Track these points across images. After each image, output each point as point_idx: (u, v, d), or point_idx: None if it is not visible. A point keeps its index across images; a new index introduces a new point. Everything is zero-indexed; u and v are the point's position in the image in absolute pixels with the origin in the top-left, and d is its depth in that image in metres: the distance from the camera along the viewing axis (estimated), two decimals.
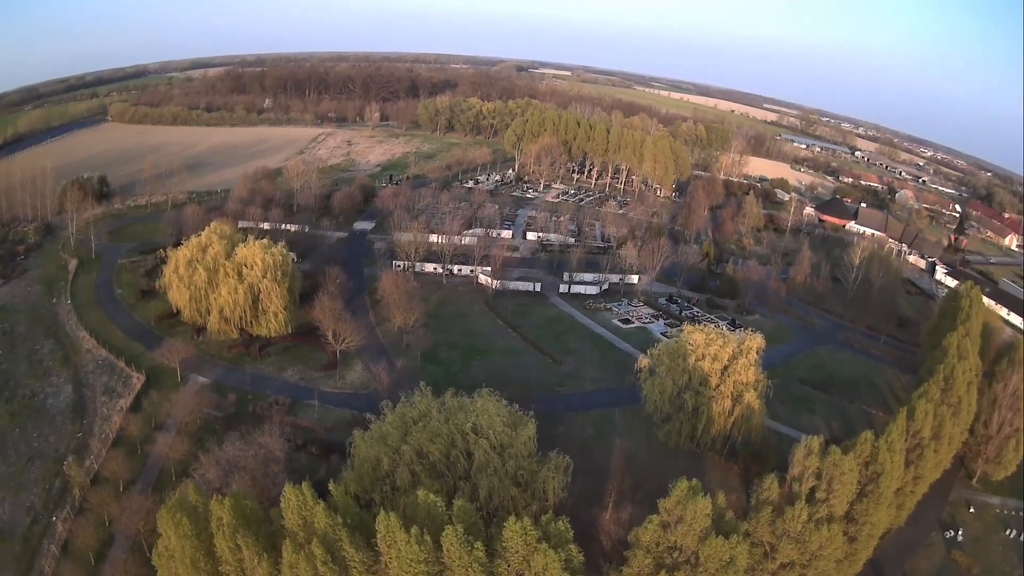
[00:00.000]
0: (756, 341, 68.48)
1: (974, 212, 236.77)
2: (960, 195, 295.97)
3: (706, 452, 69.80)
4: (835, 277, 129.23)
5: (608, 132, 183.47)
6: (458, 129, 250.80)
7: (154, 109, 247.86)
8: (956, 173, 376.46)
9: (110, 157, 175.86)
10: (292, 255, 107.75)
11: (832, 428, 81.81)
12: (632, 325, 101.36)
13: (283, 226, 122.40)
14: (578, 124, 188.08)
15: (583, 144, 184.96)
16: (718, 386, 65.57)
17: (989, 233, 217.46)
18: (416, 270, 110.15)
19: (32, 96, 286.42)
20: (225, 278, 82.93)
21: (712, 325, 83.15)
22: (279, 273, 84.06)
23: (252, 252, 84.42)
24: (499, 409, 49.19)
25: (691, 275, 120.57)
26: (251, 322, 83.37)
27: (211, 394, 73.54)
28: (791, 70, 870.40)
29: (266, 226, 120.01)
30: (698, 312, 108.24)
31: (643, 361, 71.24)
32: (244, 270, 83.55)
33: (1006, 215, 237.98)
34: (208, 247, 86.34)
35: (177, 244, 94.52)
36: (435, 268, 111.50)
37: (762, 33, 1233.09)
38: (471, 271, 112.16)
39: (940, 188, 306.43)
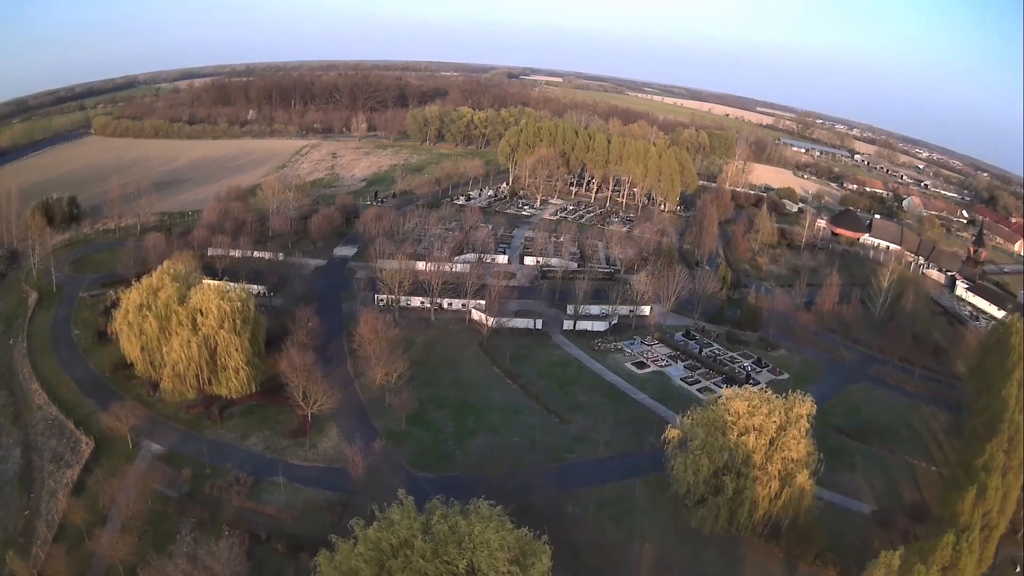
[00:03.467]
0: (806, 406, 57.39)
1: (980, 217, 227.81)
2: (963, 199, 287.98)
3: (744, 534, 59.30)
4: (860, 300, 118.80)
5: (609, 142, 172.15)
6: (448, 139, 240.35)
7: (136, 122, 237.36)
8: (954, 175, 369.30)
9: (86, 174, 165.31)
10: (262, 288, 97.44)
11: (875, 488, 72.23)
12: (647, 369, 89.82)
13: (254, 254, 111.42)
14: (576, 134, 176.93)
15: (582, 155, 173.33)
16: (763, 464, 54.52)
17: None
18: (401, 305, 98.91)
19: (21, 109, 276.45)
20: (178, 328, 71.07)
21: (753, 389, 70.87)
22: (238, 322, 71.85)
23: (207, 297, 72.52)
24: (502, 539, 38.03)
25: (708, 304, 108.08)
26: (209, 379, 71.63)
27: (164, 468, 63.65)
28: (782, 73, 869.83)
29: (237, 254, 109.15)
30: (719, 350, 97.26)
31: (672, 432, 60.22)
32: (199, 318, 71.84)
33: (1013, 219, 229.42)
34: (160, 290, 74.51)
35: (136, 277, 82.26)
36: (422, 302, 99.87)
37: (752, 37, 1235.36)
38: (463, 305, 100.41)
39: (943, 192, 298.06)
